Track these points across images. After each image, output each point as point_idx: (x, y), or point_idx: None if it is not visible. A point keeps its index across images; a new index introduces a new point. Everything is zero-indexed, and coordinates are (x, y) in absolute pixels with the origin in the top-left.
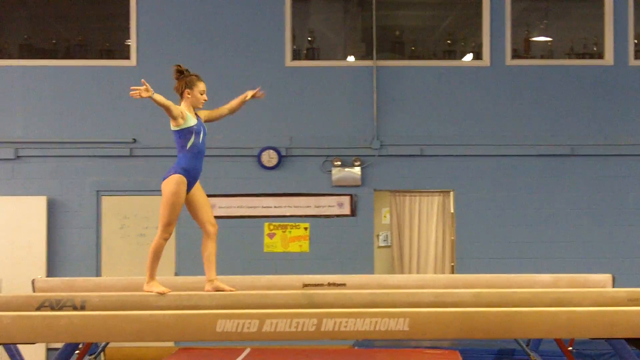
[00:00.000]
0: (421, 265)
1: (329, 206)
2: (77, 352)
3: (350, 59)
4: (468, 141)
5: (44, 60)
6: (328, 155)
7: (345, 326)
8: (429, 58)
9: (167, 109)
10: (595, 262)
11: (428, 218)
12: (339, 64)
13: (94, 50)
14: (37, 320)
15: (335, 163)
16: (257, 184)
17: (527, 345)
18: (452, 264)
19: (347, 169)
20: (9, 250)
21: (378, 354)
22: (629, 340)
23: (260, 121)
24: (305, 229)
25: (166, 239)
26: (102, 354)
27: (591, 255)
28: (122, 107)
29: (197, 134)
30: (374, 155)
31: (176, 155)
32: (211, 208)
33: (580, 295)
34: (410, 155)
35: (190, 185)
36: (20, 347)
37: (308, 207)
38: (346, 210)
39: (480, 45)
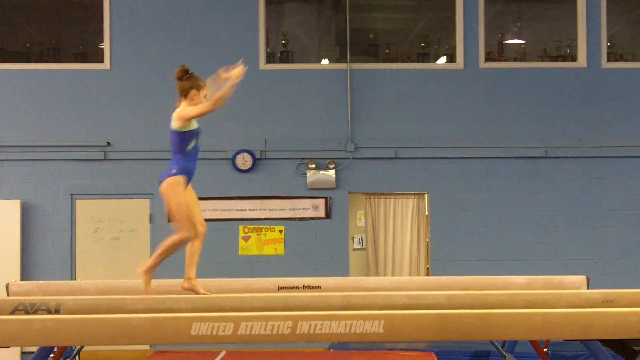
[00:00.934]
0: (396, 268)
1: (304, 209)
2: (51, 355)
3: (325, 62)
4: (442, 144)
5: (17, 64)
6: (303, 158)
7: (321, 329)
8: (403, 61)
9: (214, 107)
10: (570, 264)
11: (403, 220)
12: (313, 67)
13: (67, 53)
14: (11, 324)
15: (310, 166)
16: (232, 187)
17: (502, 347)
18: (427, 266)
19: (321, 172)
20: None
21: (354, 356)
22: (604, 342)
23: (235, 124)
24: (280, 231)
25: (189, 239)
26: (77, 357)
27: (566, 256)
28: (96, 110)
29: (198, 136)
30: (348, 158)
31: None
32: (200, 209)
33: (555, 296)
34: (384, 158)
35: (185, 186)
36: None
37: (283, 209)
38: (321, 212)
39: (454, 48)
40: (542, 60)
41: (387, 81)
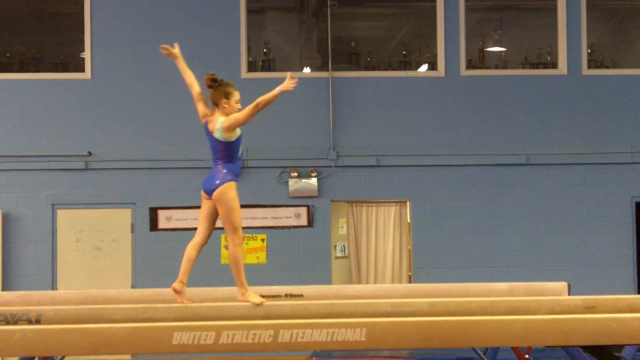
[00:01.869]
0: (378, 275)
1: (286, 217)
2: None
3: (306, 70)
4: (424, 151)
5: None
6: (285, 167)
7: (302, 337)
8: (385, 69)
9: (257, 109)
10: (551, 270)
11: (385, 228)
12: (294, 75)
13: (48, 63)
14: None
15: (292, 174)
16: None
17: (484, 354)
18: (409, 273)
19: (303, 180)
20: None
21: None
22: (585, 348)
23: None
24: (263, 240)
25: (240, 245)
26: None
27: (547, 263)
28: (77, 120)
29: (241, 142)
30: (330, 166)
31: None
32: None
33: (536, 303)
34: (366, 166)
35: None
36: None
37: (265, 218)
38: (303, 221)
39: (435, 56)
40: (523, 68)
41: (369, 89)
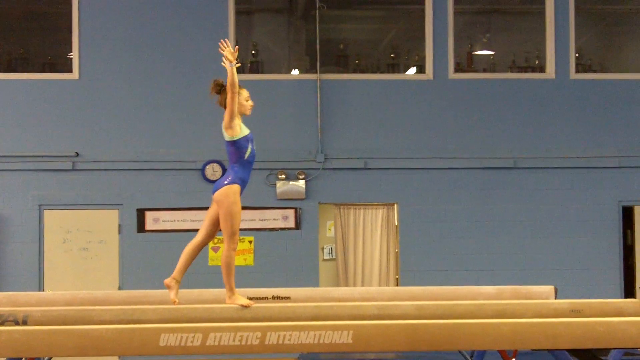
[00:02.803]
0: (366, 278)
1: (274, 219)
2: None
3: (295, 72)
4: (412, 154)
5: None
6: (272, 169)
7: (289, 339)
8: (373, 71)
9: (233, 93)
10: (538, 274)
11: (372, 231)
12: (283, 77)
13: (36, 63)
14: None
15: (280, 176)
16: (201, 197)
17: (471, 357)
18: (397, 276)
19: (291, 182)
20: None
21: None
22: (572, 351)
23: (204, 134)
24: (250, 242)
25: (235, 249)
26: None
27: (534, 266)
28: (65, 120)
29: (252, 142)
30: (318, 169)
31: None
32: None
33: (523, 306)
34: (354, 169)
35: (240, 195)
36: None
37: (252, 220)
38: (291, 223)
39: (423, 59)
40: (511, 71)
41: (357, 92)
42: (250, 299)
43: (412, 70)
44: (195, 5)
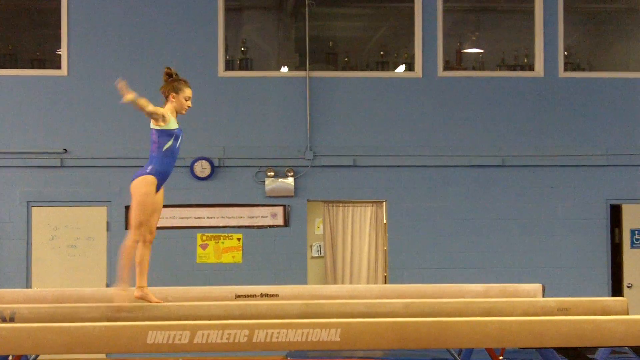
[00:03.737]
0: (354, 276)
1: (262, 217)
2: None
3: (284, 69)
4: (400, 152)
5: None
6: (261, 166)
7: (277, 337)
8: (362, 69)
9: (149, 114)
10: (526, 272)
11: (361, 228)
12: (272, 74)
13: (24, 59)
14: None
15: (269, 174)
16: (190, 194)
17: (458, 355)
18: (385, 274)
19: (280, 180)
20: None
21: None
22: (559, 350)
23: (193, 131)
24: (239, 239)
25: (137, 242)
26: None
27: (522, 265)
28: (53, 117)
29: (176, 138)
30: (307, 166)
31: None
32: (159, 217)
33: (510, 305)
34: (343, 166)
35: (158, 187)
36: None
37: (241, 217)
38: (279, 220)
39: (412, 57)
40: (500, 70)
41: (346, 89)
42: (239, 296)
43: (402, 68)
44: (185, 1)
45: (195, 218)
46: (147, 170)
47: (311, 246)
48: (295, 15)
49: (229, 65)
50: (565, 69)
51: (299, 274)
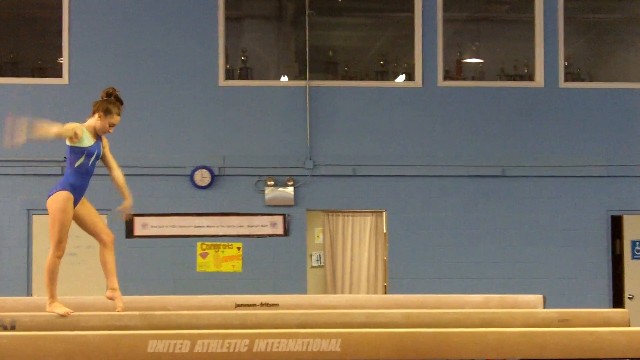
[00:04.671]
0: (354, 285)
1: (262, 226)
2: None
3: (284, 79)
4: (400, 161)
5: None
6: (261, 175)
7: (277, 347)
8: (362, 79)
9: (58, 136)
10: (526, 283)
11: (361, 238)
12: (272, 83)
13: (25, 68)
14: None
15: (269, 183)
16: (190, 203)
17: None
18: (385, 284)
19: (280, 189)
20: None
21: None
22: None
23: (193, 140)
24: (238, 248)
25: (60, 257)
26: None
27: (522, 275)
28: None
29: (89, 155)
30: (307, 175)
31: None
32: (101, 219)
33: (510, 315)
34: (342, 176)
35: (76, 202)
36: None
37: (241, 226)
38: (279, 230)
39: (412, 67)
40: (500, 80)
41: (346, 99)
42: (239, 305)
43: (401, 78)
44: (185, 11)
45: (195, 227)
46: (63, 187)
47: (311, 255)
48: (295, 25)
49: (229, 75)
50: (566, 79)
51: (298, 284)
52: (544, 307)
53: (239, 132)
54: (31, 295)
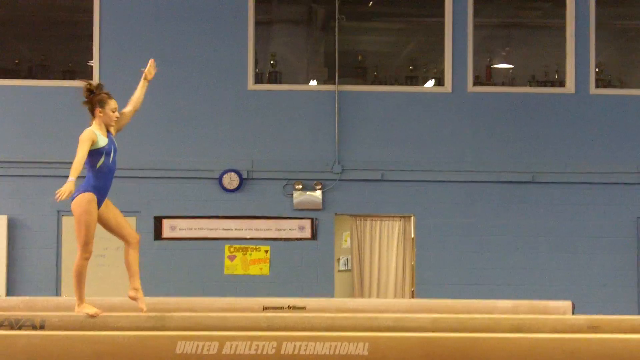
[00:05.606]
0: (381, 290)
1: (290, 229)
2: None
3: (313, 83)
4: (429, 167)
5: (5, 80)
6: (289, 179)
7: (305, 350)
8: (391, 84)
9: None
10: (555, 289)
11: (388, 243)
12: (301, 88)
13: (56, 70)
14: None
15: (297, 187)
16: (218, 206)
17: None
18: (412, 288)
19: (308, 193)
20: None
21: None
22: None
23: (222, 144)
24: (266, 251)
25: (87, 259)
26: None
27: (551, 282)
28: (84, 127)
29: (107, 154)
30: (335, 180)
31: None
32: (126, 220)
33: (540, 321)
34: (371, 180)
35: (99, 203)
36: None
37: (269, 230)
38: (307, 233)
39: (442, 72)
40: (530, 86)
41: (375, 103)
42: (266, 308)
43: (431, 83)
44: (215, 15)
45: (223, 230)
46: (85, 189)
47: (338, 260)
48: (325, 29)
49: (258, 79)
50: (597, 86)
51: (325, 287)
52: (573, 313)
53: (268, 136)
54: (60, 296)
